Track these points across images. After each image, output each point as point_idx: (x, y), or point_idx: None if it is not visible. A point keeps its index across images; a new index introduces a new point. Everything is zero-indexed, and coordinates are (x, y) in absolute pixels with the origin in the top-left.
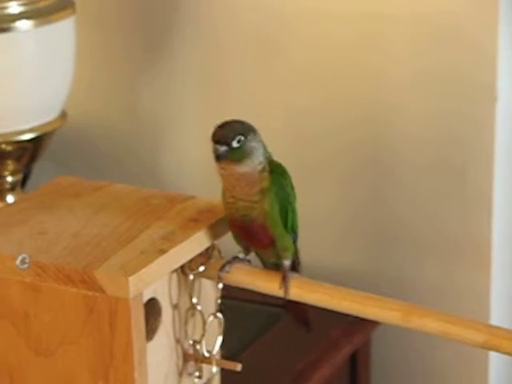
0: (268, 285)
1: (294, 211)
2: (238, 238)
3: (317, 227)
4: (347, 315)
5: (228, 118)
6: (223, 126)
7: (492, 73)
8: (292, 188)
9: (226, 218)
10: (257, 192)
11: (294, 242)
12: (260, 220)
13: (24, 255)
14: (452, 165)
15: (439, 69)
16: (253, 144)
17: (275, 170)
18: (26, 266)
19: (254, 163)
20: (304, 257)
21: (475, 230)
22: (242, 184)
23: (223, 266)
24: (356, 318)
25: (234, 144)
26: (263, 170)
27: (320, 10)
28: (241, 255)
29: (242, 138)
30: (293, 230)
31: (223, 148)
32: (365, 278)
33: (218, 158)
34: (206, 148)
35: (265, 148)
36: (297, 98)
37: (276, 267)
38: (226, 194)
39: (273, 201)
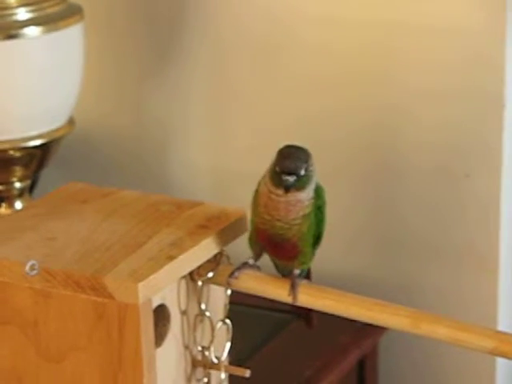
0: (277, 291)
1: (323, 230)
2: (257, 243)
3: (326, 233)
4: (355, 321)
5: (234, 124)
6: (290, 155)
7: (499, 81)
8: (325, 206)
9: (250, 224)
10: (300, 217)
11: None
12: (294, 240)
13: (33, 262)
14: (460, 171)
15: (448, 76)
16: (312, 169)
17: (317, 193)
18: (35, 272)
19: (311, 190)
20: (313, 263)
21: (482, 237)
22: (290, 209)
23: (232, 272)
24: (364, 323)
25: (302, 173)
26: (313, 196)
27: (329, 18)
28: (250, 261)
29: (307, 166)
30: (316, 248)
31: (293, 178)
32: (373, 284)
33: (288, 188)
34: (212, 154)
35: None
36: (306, 106)
37: (288, 274)
38: (260, 210)
39: (311, 224)
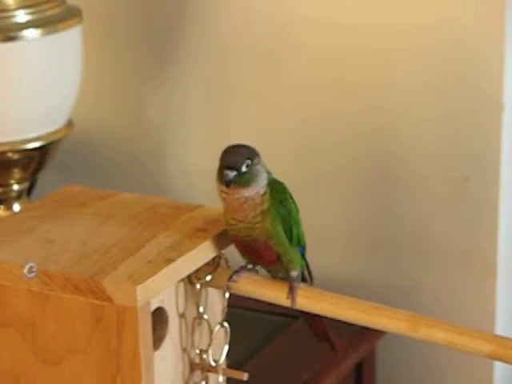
0: (275, 294)
1: (297, 224)
2: (243, 254)
3: (324, 237)
4: (353, 324)
5: (232, 127)
6: (231, 151)
7: (498, 83)
8: (293, 202)
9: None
10: (258, 214)
11: (303, 254)
12: (262, 239)
13: (31, 264)
14: (459, 175)
15: (446, 79)
16: (258, 167)
17: (274, 189)
18: (33, 274)
19: (259, 187)
20: (311, 266)
21: (481, 240)
22: (245, 208)
23: (231, 276)
24: (362, 327)
25: (243, 169)
26: (265, 192)
27: (326, 22)
28: (249, 265)
29: (250, 163)
30: (299, 243)
31: (233, 173)
32: (372, 288)
33: (228, 183)
34: (211, 157)
35: (266, 169)
36: (304, 110)
37: (285, 279)
38: (227, 216)
39: (274, 220)
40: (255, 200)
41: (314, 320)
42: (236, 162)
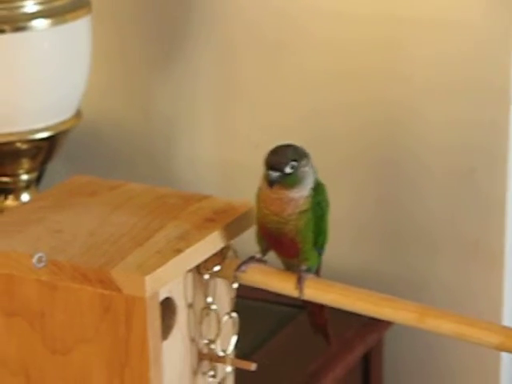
0: (283, 285)
1: (326, 229)
2: (263, 238)
3: (333, 228)
4: (360, 315)
5: (240, 119)
6: (277, 152)
7: (506, 76)
8: (327, 205)
9: (254, 218)
10: (295, 213)
11: (320, 254)
12: (291, 235)
13: (40, 254)
14: (466, 167)
15: (455, 72)
16: (305, 169)
17: (316, 191)
18: (42, 264)
19: (305, 189)
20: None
21: (489, 232)
22: (285, 207)
23: (239, 266)
24: (369, 318)
25: (287, 170)
26: (309, 195)
27: (337, 13)
28: (257, 255)
29: (296, 164)
30: (321, 247)
31: (276, 174)
32: (380, 279)
33: (272, 183)
34: (219, 149)
35: (315, 172)
36: (314, 101)
37: (294, 271)
38: (261, 205)
39: (309, 221)
40: (298, 201)
41: (315, 311)
42: (280, 163)
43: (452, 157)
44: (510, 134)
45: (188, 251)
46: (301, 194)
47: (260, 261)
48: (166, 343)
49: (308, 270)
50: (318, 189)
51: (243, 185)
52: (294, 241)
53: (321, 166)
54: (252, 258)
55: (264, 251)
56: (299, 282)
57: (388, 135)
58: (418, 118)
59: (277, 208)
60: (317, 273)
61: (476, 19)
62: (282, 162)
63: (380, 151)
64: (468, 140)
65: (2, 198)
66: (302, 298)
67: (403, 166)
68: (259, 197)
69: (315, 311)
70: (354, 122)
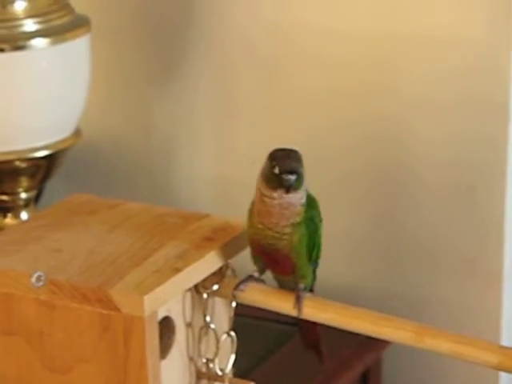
0: (282, 304)
1: (320, 243)
2: (258, 258)
3: (330, 245)
4: (358, 334)
5: (239, 136)
6: (288, 155)
7: (505, 92)
8: (320, 220)
9: (246, 237)
10: (289, 225)
11: (314, 269)
12: (285, 251)
13: (39, 273)
14: (465, 184)
15: (453, 89)
16: (303, 170)
17: (308, 204)
18: (41, 283)
19: (303, 192)
20: (317, 274)
21: (487, 249)
22: (282, 213)
23: (238, 285)
24: (367, 337)
25: (301, 171)
26: (304, 203)
27: (334, 30)
28: (256, 274)
29: (300, 166)
30: (315, 261)
31: (294, 177)
32: (377, 297)
33: (289, 187)
34: (218, 166)
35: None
36: (310, 117)
37: (292, 289)
38: (254, 220)
39: (303, 235)
40: (296, 207)
41: (309, 328)
42: (296, 167)
43: (450, 174)
44: (508, 151)
45: (186, 270)
46: (300, 196)
47: (258, 280)
48: (164, 362)
49: (305, 289)
50: (311, 203)
51: (242, 201)
52: (288, 257)
53: (317, 183)
54: (251, 277)
55: (261, 270)
56: (297, 301)
57: (385, 152)
58: (415, 135)
59: (273, 216)
60: (311, 289)
61: (474, 35)
62: (298, 166)
63: (377, 168)
64: (466, 157)
65: (1, 216)
66: (301, 317)
67: (401, 183)
68: (252, 211)
69: (307, 327)
70: (351, 138)
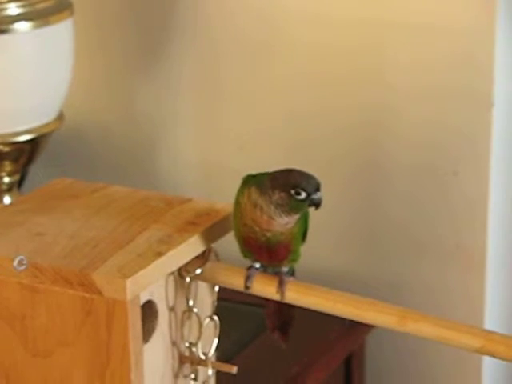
0: (265, 288)
1: (308, 228)
2: (248, 252)
3: (314, 230)
4: (342, 318)
5: (224, 121)
6: (308, 175)
7: (488, 79)
8: None
9: (235, 234)
10: (292, 221)
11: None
12: (286, 242)
13: (21, 257)
14: (448, 170)
15: (437, 75)
16: None
17: None
18: (23, 267)
19: None
20: (301, 260)
21: (470, 235)
22: (272, 226)
23: (246, 282)
24: (351, 321)
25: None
26: None
27: (320, 16)
28: (257, 265)
29: None
30: (304, 241)
31: (320, 195)
32: (361, 282)
33: (319, 204)
34: (202, 150)
35: None
36: (295, 103)
37: (275, 274)
38: (247, 222)
39: (302, 224)
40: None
41: (282, 309)
42: (319, 183)
43: (434, 160)
44: (492, 137)
45: (169, 254)
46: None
47: (258, 269)
48: (147, 346)
49: (288, 272)
50: None
51: (226, 185)
52: (287, 245)
53: (304, 169)
54: (252, 268)
55: (255, 261)
56: (280, 285)
57: (370, 138)
58: (400, 122)
59: (275, 228)
60: (292, 273)
61: (459, 23)
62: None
63: (362, 154)
64: (450, 143)
65: None
66: (284, 301)
67: (385, 169)
68: (242, 215)
69: (280, 309)
70: (337, 125)
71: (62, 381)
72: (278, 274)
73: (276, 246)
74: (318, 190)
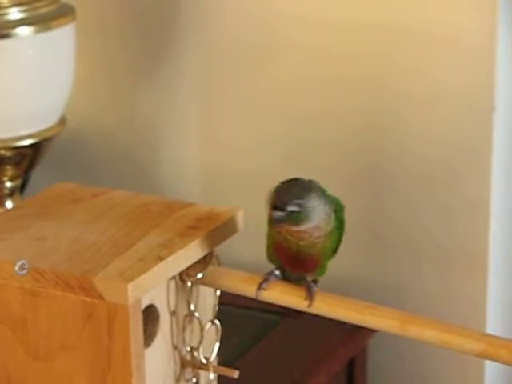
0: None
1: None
2: (276, 259)
3: None
4: (344, 322)
5: (225, 125)
6: (280, 191)
7: (490, 84)
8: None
9: (268, 241)
10: (322, 235)
11: None
12: (316, 256)
13: (23, 261)
14: (450, 174)
15: (438, 80)
16: (311, 204)
17: (336, 209)
18: (24, 271)
19: (315, 221)
20: None
21: (472, 239)
22: (309, 233)
23: (260, 284)
24: (353, 325)
25: (291, 209)
26: (328, 218)
27: (321, 21)
28: (277, 272)
29: (301, 202)
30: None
31: (281, 213)
32: (362, 286)
33: (276, 222)
34: (202, 154)
35: (325, 196)
36: (296, 108)
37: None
38: (283, 230)
39: (333, 240)
40: (315, 229)
41: None
42: (284, 203)
43: (436, 163)
44: (494, 142)
45: (170, 259)
46: (311, 226)
47: (278, 276)
48: (148, 350)
49: (314, 281)
50: (338, 207)
51: (227, 189)
52: (317, 260)
53: (305, 174)
54: (271, 274)
55: (278, 269)
56: (309, 292)
57: (372, 142)
58: (402, 126)
59: (300, 235)
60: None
61: (461, 29)
62: (287, 202)
63: (363, 159)
64: (452, 147)
65: None
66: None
67: (388, 173)
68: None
69: None
70: (337, 129)
71: None
72: (304, 283)
73: (306, 257)
74: (276, 208)
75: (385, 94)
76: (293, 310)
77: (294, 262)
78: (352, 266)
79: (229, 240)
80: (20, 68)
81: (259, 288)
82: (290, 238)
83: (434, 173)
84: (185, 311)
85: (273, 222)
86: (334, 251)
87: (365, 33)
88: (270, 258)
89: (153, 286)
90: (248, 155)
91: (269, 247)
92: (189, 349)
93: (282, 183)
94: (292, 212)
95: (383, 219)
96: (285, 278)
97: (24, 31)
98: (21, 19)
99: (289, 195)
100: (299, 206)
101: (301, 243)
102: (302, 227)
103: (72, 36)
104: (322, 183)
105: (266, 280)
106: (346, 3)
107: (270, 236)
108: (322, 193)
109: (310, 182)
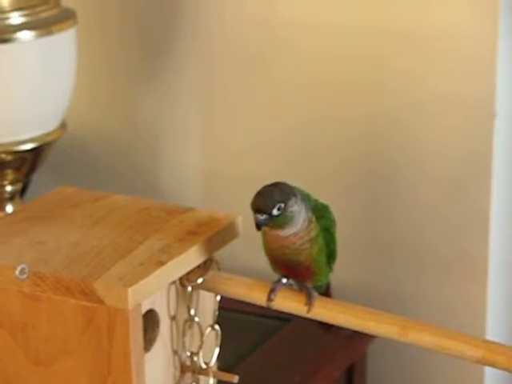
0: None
1: (336, 248)
2: (277, 268)
3: None
4: (344, 328)
5: (225, 129)
6: (262, 194)
7: (491, 89)
8: (335, 224)
9: (264, 251)
10: (306, 242)
11: (331, 269)
12: (307, 263)
13: (23, 265)
14: (450, 180)
15: (438, 85)
16: (294, 208)
17: (320, 215)
18: (25, 276)
19: (297, 226)
20: None
21: (473, 245)
22: (291, 240)
23: (269, 295)
24: (352, 331)
25: (274, 212)
26: (309, 224)
27: (321, 26)
28: (284, 280)
29: (282, 206)
30: (333, 262)
31: (263, 217)
32: (362, 291)
33: (258, 226)
34: (203, 158)
35: (307, 201)
36: (296, 112)
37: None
38: (269, 239)
39: (321, 247)
40: (298, 234)
41: None
42: (266, 206)
43: (436, 169)
44: (494, 148)
45: (171, 263)
46: (292, 232)
47: (287, 285)
48: (148, 355)
49: (316, 288)
50: (322, 213)
51: (227, 193)
52: (309, 267)
53: (304, 179)
54: (278, 283)
55: (283, 277)
56: (309, 299)
57: (372, 148)
58: (402, 132)
59: (283, 242)
60: (327, 289)
61: (461, 34)
62: (269, 205)
63: (364, 164)
64: (453, 153)
65: None
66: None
67: (387, 180)
68: (266, 232)
69: None
70: (337, 134)
71: None
72: (304, 289)
73: (297, 265)
74: (258, 211)
75: (385, 100)
76: (293, 316)
77: (289, 270)
78: (352, 272)
79: (229, 245)
80: (21, 72)
81: (268, 299)
82: (275, 246)
83: (434, 179)
84: (185, 316)
85: (255, 225)
86: (329, 258)
87: (365, 38)
88: (272, 267)
89: (153, 291)
90: (248, 160)
91: (269, 258)
92: (189, 354)
93: (265, 187)
94: (273, 216)
95: (383, 226)
96: (291, 285)
97: (25, 36)
98: (22, 24)
99: (272, 199)
100: (281, 209)
101: (287, 251)
102: (285, 232)
103: (73, 40)
104: (322, 189)
105: (272, 290)
106: (346, 8)
107: (263, 244)
108: (303, 199)
109: (293, 187)
